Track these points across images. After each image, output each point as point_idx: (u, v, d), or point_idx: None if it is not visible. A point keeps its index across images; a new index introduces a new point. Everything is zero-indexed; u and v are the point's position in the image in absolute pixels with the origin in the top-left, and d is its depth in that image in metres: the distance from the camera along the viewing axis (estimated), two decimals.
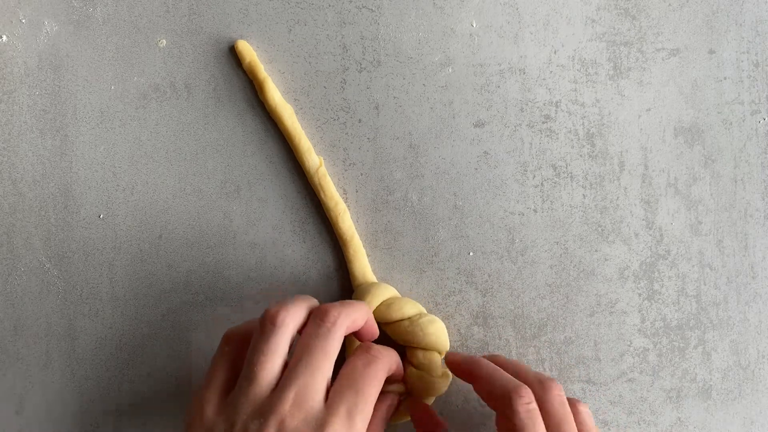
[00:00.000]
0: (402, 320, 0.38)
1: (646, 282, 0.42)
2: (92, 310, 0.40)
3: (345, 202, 0.41)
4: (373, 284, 0.39)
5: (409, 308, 0.39)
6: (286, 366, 0.32)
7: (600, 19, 0.42)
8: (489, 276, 0.41)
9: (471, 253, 0.41)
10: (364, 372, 0.33)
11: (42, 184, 0.40)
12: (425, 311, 0.39)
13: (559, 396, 0.35)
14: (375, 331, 0.37)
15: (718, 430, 0.42)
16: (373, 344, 0.35)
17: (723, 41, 0.42)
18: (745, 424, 0.42)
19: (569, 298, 0.41)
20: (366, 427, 0.31)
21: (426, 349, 0.38)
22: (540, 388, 0.36)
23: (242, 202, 0.41)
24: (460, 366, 0.38)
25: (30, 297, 0.40)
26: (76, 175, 0.40)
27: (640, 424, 0.41)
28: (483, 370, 0.36)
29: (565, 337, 0.41)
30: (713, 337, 0.42)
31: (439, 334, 0.38)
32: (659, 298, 0.42)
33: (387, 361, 0.34)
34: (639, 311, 0.42)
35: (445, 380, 0.38)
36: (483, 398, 0.36)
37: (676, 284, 0.42)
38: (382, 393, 0.37)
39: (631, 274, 0.42)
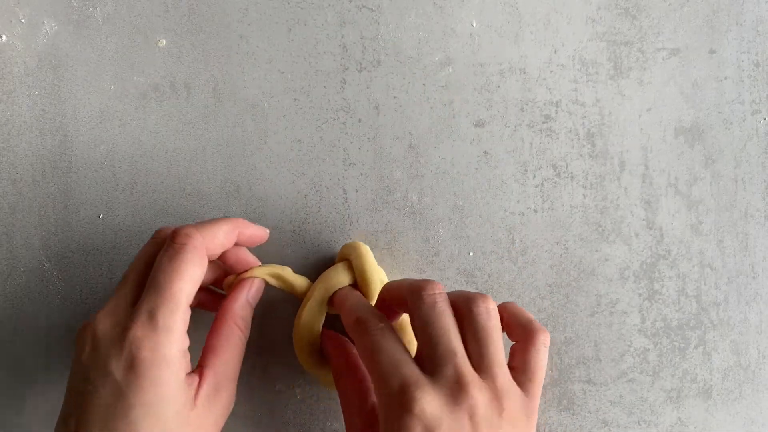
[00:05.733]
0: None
1: (646, 282, 0.42)
2: (92, 310, 0.40)
3: (345, 203, 0.41)
4: (362, 249, 0.39)
5: None
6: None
7: (600, 18, 0.42)
8: (489, 276, 0.41)
9: (471, 253, 0.41)
10: (167, 267, 0.32)
11: (42, 184, 0.40)
12: None
13: (485, 310, 0.32)
14: (258, 240, 0.36)
15: (719, 430, 0.42)
16: (184, 228, 0.33)
17: (723, 41, 0.42)
18: (745, 425, 0.42)
19: (569, 298, 0.41)
20: (178, 322, 0.31)
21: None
22: (464, 303, 0.33)
23: (242, 202, 0.41)
24: (379, 302, 0.36)
25: (30, 297, 0.40)
26: (75, 175, 0.40)
27: (640, 425, 0.41)
28: (393, 283, 0.35)
29: (566, 337, 0.41)
30: (714, 337, 0.42)
31: (405, 336, 0.38)
32: (659, 298, 0.42)
33: (196, 247, 0.32)
34: (639, 311, 0.42)
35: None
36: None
37: (676, 284, 0.42)
38: (245, 280, 0.36)
39: (632, 274, 0.42)
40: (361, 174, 0.41)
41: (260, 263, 0.38)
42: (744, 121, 0.42)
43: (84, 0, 0.40)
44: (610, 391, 0.41)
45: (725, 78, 0.42)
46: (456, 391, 0.30)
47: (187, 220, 0.40)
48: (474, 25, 0.41)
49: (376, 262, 0.38)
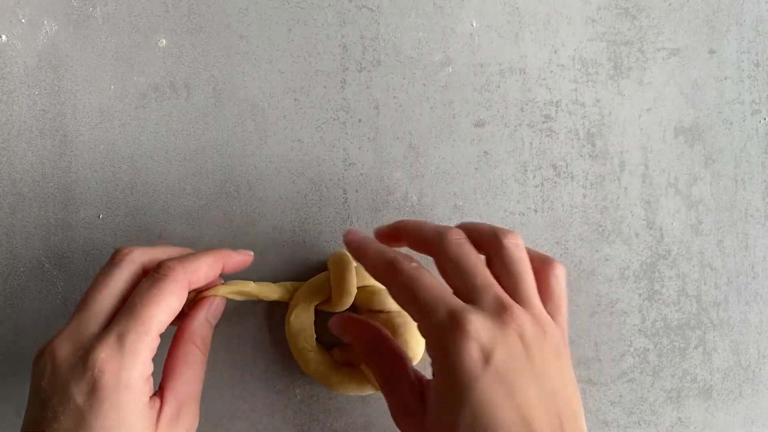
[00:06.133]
0: (380, 312, 0.38)
1: (646, 282, 0.42)
2: None
3: (345, 203, 0.41)
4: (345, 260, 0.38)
5: (392, 303, 0.38)
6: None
7: (600, 18, 0.42)
8: None
9: None
10: (145, 293, 0.31)
11: (41, 184, 0.40)
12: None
13: (515, 244, 0.32)
14: (243, 266, 0.36)
15: (719, 430, 0.42)
16: (168, 261, 0.33)
17: (723, 41, 0.42)
18: (745, 425, 0.42)
19: (570, 299, 0.41)
20: (145, 348, 0.30)
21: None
22: (492, 237, 0.33)
23: (242, 202, 0.41)
24: (387, 234, 0.36)
25: (30, 297, 0.40)
26: (75, 175, 0.40)
27: (640, 425, 0.41)
28: (410, 224, 0.35)
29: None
30: (714, 337, 0.42)
31: (409, 340, 0.38)
32: (660, 298, 0.42)
33: (178, 279, 0.32)
34: (639, 311, 0.42)
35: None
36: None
37: (676, 284, 0.42)
38: (205, 298, 0.36)
39: (632, 274, 0.42)
40: (361, 174, 0.41)
41: (222, 281, 0.37)
42: (744, 121, 0.42)
43: (84, 0, 0.40)
44: (610, 391, 0.41)
45: (725, 78, 0.42)
46: (501, 314, 0.30)
47: (187, 220, 0.40)
48: (474, 25, 0.41)
49: (354, 273, 0.38)
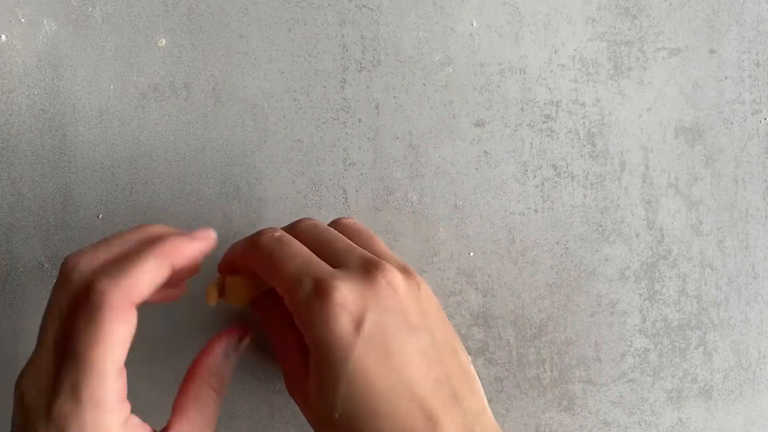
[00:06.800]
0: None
1: (646, 282, 0.42)
2: None
3: (345, 203, 0.41)
4: None
5: None
6: None
7: (600, 18, 0.42)
8: (489, 276, 0.41)
9: (471, 253, 0.41)
10: (82, 332, 0.26)
11: (41, 183, 0.40)
12: None
13: (351, 221, 0.32)
14: (202, 255, 0.30)
15: (719, 430, 0.42)
16: (97, 283, 0.26)
17: (724, 41, 0.42)
18: (746, 425, 0.42)
19: (570, 299, 0.41)
20: (107, 393, 0.26)
21: None
22: (328, 225, 0.32)
23: (242, 202, 0.40)
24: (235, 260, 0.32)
25: (29, 297, 0.40)
26: (75, 174, 0.40)
27: (641, 425, 0.41)
28: (229, 250, 0.32)
29: (566, 337, 0.41)
30: (714, 337, 0.42)
31: None
32: (660, 299, 0.42)
33: (114, 302, 0.26)
34: (640, 311, 0.42)
35: None
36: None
37: (676, 284, 0.42)
38: (227, 330, 0.32)
39: (632, 275, 0.42)
40: (361, 174, 0.41)
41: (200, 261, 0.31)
42: (744, 121, 0.42)
43: (83, 0, 0.40)
44: (611, 391, 0.41)
45: (725, 78, 0.42)
46: (372, 270, 0.29)
47: (187, 220, 0.40)
48: (474, 25, 0.41)
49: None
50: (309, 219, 0.33)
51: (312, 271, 0.28)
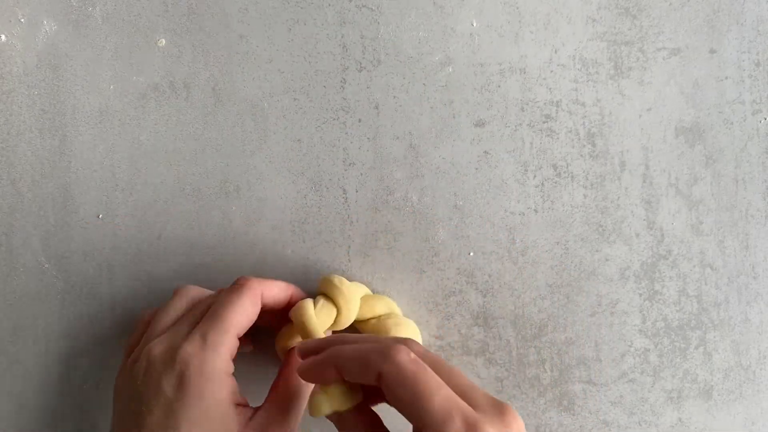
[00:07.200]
0: (371, 318, 0.38)
1: (647, 282, 0.42)
2: (91, 311, 0.40)
3: (345, 203, 0.41)
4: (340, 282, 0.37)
5: (381, 306, 0.38)
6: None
7: (601, 18, 0.42)
8: (489, 276, 0.41)
9: (471, 253, 0.41)
10: (224, 299, 0.34)
11: (41, 183, 0.40)
12: (399, 312, 0.39)
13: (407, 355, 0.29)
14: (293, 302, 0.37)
15: (720, 430, 0.42)
16: (245, 276, 0.36)
17: (724, 41, 0.42)
18: (746, 425, 0.42)
19: (570, 299, 0.41)
20: (225, 343, 0.33)
21: None
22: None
23: (242, 202, 0.40)
24: (313, 353, 0.33)
25: (29, 297, 0.40)
26: (75, 175, 0.40)
27: (641, 425, 0.41)
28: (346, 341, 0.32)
29: (566, 337, 0.41)
30: (714, 337, 0.42)
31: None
32: (660, 299, 0.42)
33: (253, 287, 0.35)
34: (640, 311, 0.41)
35: None
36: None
37: (677, 284, 0.42)
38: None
39: (632, 275, 0.42)
40: (361, 174, 0.41)
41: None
42: (744, 121, 0.42)
43: (83, 0, 0.40)
44: (611, 391, 0.41)
45: (726, 78, 0.42)
46: (506, 416, 0.29)
47: (187, 220, 0.40)
48: (474, 24, 0.41)
49: (313, 318, 0.36)
50: (416, 343, 0.31)
51: (460, 408, 0.28)
